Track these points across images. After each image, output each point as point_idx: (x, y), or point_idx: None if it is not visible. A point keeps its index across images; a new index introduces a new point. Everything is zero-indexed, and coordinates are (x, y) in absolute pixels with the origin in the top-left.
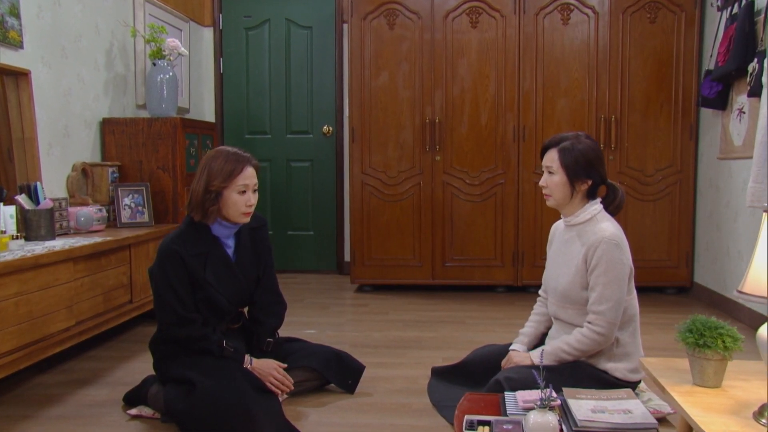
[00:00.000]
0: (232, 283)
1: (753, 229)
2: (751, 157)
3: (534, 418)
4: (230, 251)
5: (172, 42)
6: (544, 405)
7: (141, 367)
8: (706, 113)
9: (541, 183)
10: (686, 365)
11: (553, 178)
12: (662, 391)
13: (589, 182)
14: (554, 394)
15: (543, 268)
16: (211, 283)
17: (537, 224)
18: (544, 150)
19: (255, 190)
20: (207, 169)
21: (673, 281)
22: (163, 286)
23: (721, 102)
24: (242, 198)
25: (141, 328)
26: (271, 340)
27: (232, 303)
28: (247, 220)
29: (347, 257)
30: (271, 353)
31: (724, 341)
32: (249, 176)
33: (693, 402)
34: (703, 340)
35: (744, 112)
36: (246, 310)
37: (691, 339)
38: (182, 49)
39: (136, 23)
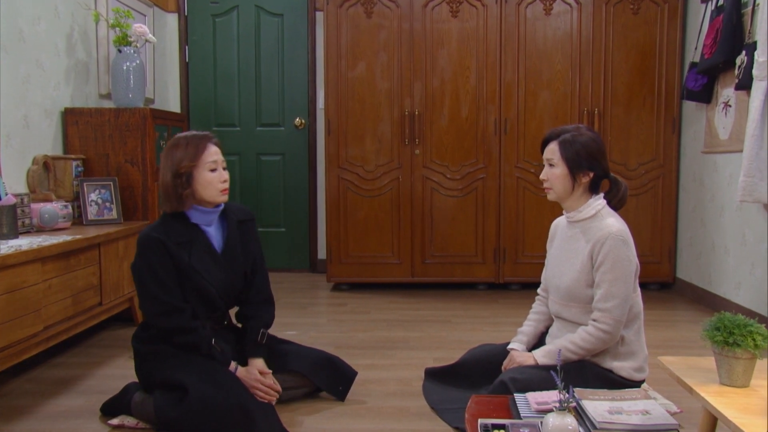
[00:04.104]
0: (219, 273)
1: (739, 225)
2: (738, 151)
3: (553, 421)
4: (216, 242)
5: (139, 28)
6: (563, 407)
7: (115, 373)
8: (689, 106)
9: (542, 176)
10: (706, 363)
11: (553, 170)
12: (689, 392)
13: (591, 175)
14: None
15: (525, 264)
16: (198, 270)
17: (519, 220)
18: (545, 143)
19: (225, 168)
20: (170, 157)
21: (655, 277)
22: (147, 274)
23: (706, 95)
24: (215, 175)
25: (110, 332)
26: (264, 330)
27: (221, 294)
28: (226, 198)
29: (321, 255)
30: (264, 347)
31: (754, 339)
32: (214, 153)
33: (726, 403)
34: (733, 338)
35: (730, 106)
36: (235, 312)
37: (719, 337)
38: (150, 35)
39: (98, 7)
